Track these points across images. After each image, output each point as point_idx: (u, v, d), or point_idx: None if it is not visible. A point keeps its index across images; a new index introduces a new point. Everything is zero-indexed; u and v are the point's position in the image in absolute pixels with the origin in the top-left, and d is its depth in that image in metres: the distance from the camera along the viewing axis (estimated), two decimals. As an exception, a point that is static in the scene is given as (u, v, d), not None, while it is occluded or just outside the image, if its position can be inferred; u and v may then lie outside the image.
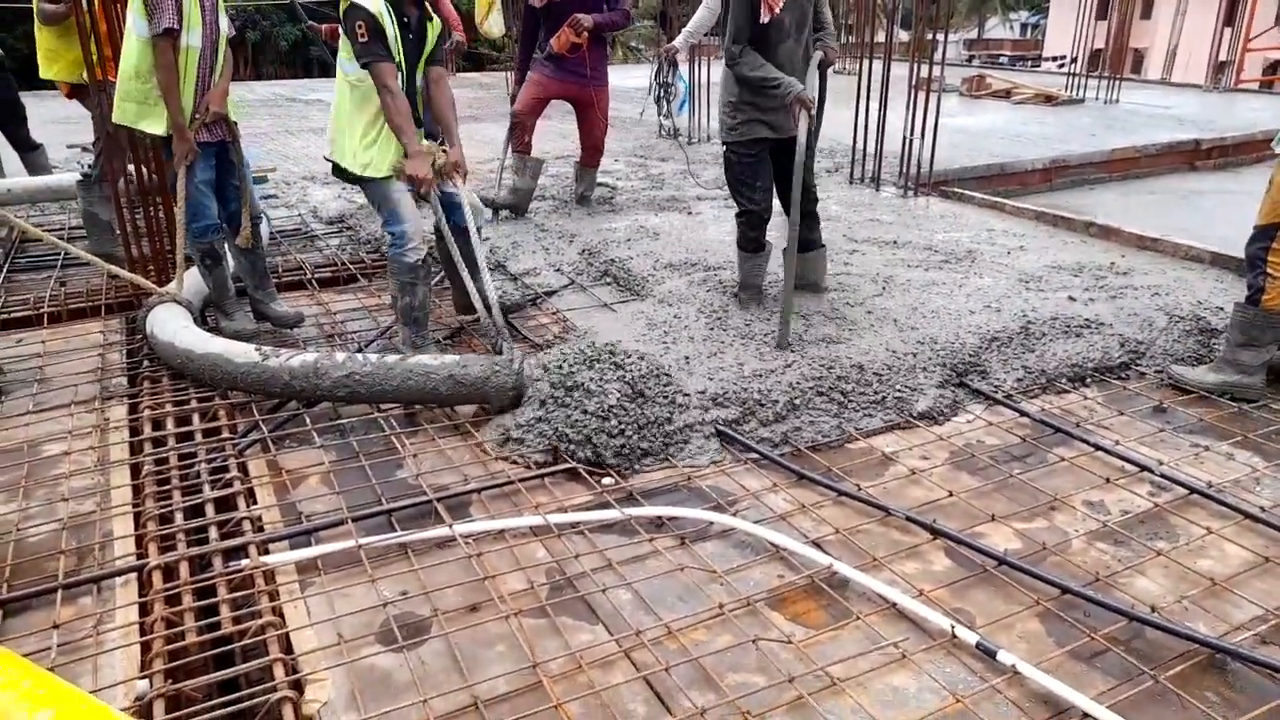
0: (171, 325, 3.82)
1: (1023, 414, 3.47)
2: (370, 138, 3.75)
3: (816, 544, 2.68)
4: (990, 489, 3.01)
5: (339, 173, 3.91)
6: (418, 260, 3.85)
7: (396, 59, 3.65)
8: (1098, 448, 3.21)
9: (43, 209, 6.46)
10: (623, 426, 3.16)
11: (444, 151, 3.81)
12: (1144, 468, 3.08)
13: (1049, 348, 3.90)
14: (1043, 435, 3.36)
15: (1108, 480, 3.04)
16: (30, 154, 6.11)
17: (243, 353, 3.55)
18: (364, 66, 3.62)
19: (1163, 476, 3.03)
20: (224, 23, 3.96)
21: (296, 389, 3.48)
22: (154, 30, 3.69)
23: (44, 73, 5.10)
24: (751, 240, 4.24)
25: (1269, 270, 3.47)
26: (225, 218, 4.21)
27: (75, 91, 5.13)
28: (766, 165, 4.12)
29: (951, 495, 2.95)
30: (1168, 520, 2.83)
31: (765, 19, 3.83)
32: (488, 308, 3.86)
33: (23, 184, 5.78)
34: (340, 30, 3.71)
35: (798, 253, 4.04)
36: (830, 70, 4.23)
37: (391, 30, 3.62)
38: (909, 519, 2.78)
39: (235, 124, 4.11)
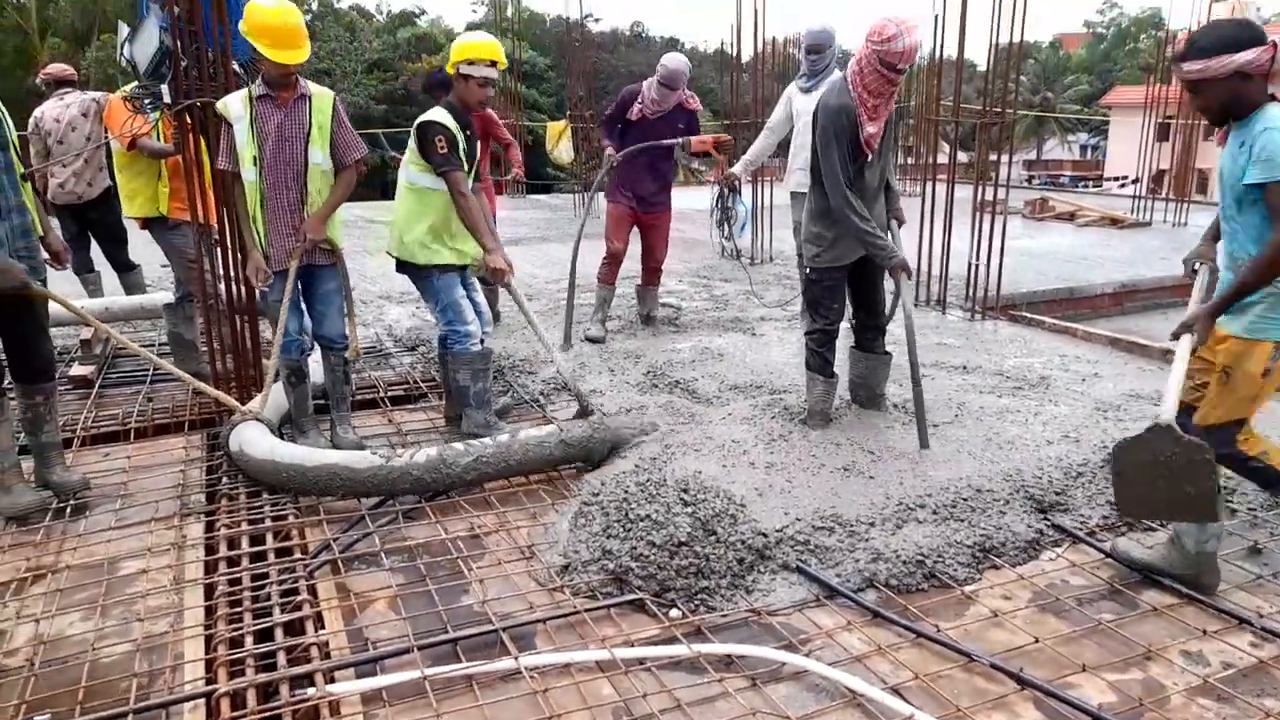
0: (266, 442, 3.94)
1: (1109, 555, 3.32)
2: (431, 235, 4.26)
3: (896, 690, 2.56)
4: (1079, 635, 2.86)
5: (401, 267, 4.40)
6: (486, 349, 4.45)
7: (465, 168, 4.21)
8: (1192, 596, 3.05)
9: (135, 326, 6.80)
10: (694, 564, 3.11)
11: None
12: (1242, 620, 2.90)
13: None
14: (1130, 578, 3.20)
15: (1205, 631, 2.86)
16: (127, 274, 6.50)
17: (363, 459, 3.79)
18: (441, 175, 4.13)
19: (1264, 630, 2.85)
20: (317, 155, 4.10)
21: (428, 482, 3.79)
22: None
23: (125, 211, 5.61)
24: (820, 359, 4.29)
25: (1253, 455, 3.02)
26: (315, 337, 4.42)
27: (148, 224, 5.56)
28: (844, 287, 4.32)
29: (1038, 641, 2.80)
30: (1274, 675, 2.65)
31: (869, 157, 3.98)
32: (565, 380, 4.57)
33: (120, 303, 6.13)
34: (416, 147, 4.18)
35: (862, 352, 4.47)
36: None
37: (462, 143, 4.18)
38: (994, 666, 2.65)
39: (332, 248, 4.28)
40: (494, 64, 4.19)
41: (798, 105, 6.08)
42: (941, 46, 7.98)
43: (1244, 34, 2.72)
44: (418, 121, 4.19)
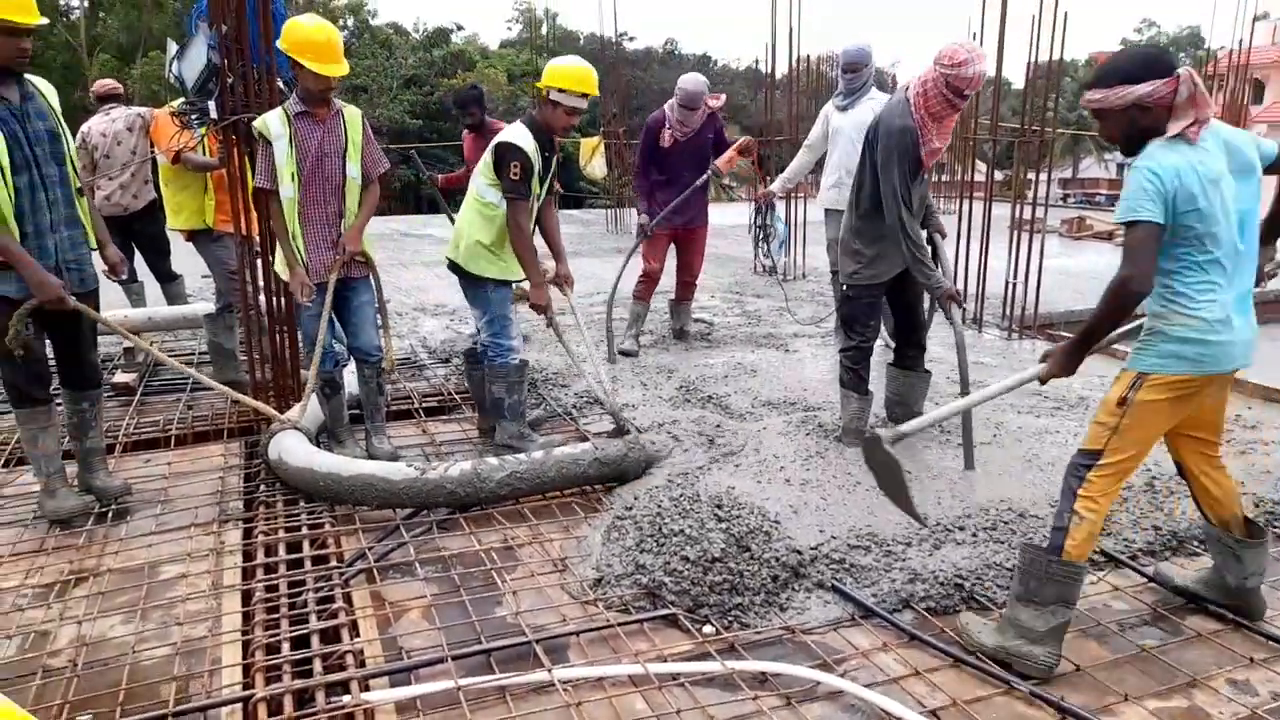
0: (304, 451, 3.98)
1: (1151, 580, 3.26)
2: (482, 247, 4.28)
3: (933, 714, 2.53)
4: (1121, 661, 2.80)
5: (454, 268, 4.41)
6: (524, 362, 4.47)
7: (535, 194, 4.23)
8: (1238, 622, 2.98)
9: (176, 335, 6.92)
10: (728, 581, 3.09)
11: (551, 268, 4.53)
12: (1292, 646, 2.84)
13: (1178, 506, 3.69)
14: (1174, 602, 3.13)
15: (1252, 660, 2.80)
16: (169, 284, 6.61)
17: (398, 470, 3.81)
18: (506, 199, 4.15)
19: (1316, 657, 2.78)
20: (353, 169, 4.16)
21: (461, 496, 3.80)
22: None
23: (171, 223, 5.78)
24: (855, 376, 4.27)
25: (1076, 508, 2.71)
26: (349, 349, 4.45)
27: (192, 235, 5.72)
28: (880, 305, 4.30)
29: (1078, 668, 2.75)
30: (1326, 707, 2.58)
31: (921, 177, 3.99)
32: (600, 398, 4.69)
33: (162, 313, 6.24)
34: (491, 163, 4.19)
35: (900, 369, 4.47)
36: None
37: (538, 167, 4.15)
38: (1033, 693, 2.60)
39: (366, 260, 4.33)
40: (585, 96, 4.17)
41: (834, 123, 6.08)
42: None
43: (1147, 66, 2.58)
44: (497, 140, 4.20)
